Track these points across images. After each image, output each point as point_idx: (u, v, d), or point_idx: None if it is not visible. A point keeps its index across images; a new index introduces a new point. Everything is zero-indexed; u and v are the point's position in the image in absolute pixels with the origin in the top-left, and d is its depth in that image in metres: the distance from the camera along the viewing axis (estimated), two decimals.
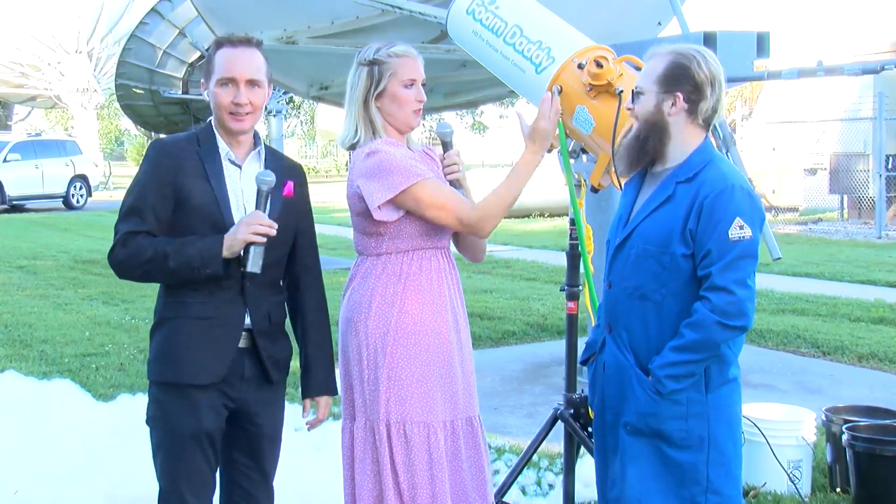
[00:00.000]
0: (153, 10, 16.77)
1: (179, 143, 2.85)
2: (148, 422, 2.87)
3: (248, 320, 2.83)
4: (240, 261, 2.75)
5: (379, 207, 2.94)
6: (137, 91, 16.97)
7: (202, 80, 2.90)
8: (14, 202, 22.96)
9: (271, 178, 2.80)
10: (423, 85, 3.06)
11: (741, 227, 2.62)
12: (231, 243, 2.74)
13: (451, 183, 3.11)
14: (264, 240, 2.73)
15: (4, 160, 22.81)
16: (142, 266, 2.74)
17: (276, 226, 2.76)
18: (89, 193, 24.83)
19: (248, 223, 2.73)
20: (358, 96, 3.02)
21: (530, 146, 3.09)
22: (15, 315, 8.92)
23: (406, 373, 2.96)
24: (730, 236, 2.61)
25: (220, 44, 2.85)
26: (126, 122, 44.15)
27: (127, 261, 2.75)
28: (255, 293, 2.83)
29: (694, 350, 2.63)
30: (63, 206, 24.00)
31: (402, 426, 2.95)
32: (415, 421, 2.95)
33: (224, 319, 2.79)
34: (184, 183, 2.76)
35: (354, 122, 3.04)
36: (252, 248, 2.73)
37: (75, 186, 24.29)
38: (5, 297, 10.01)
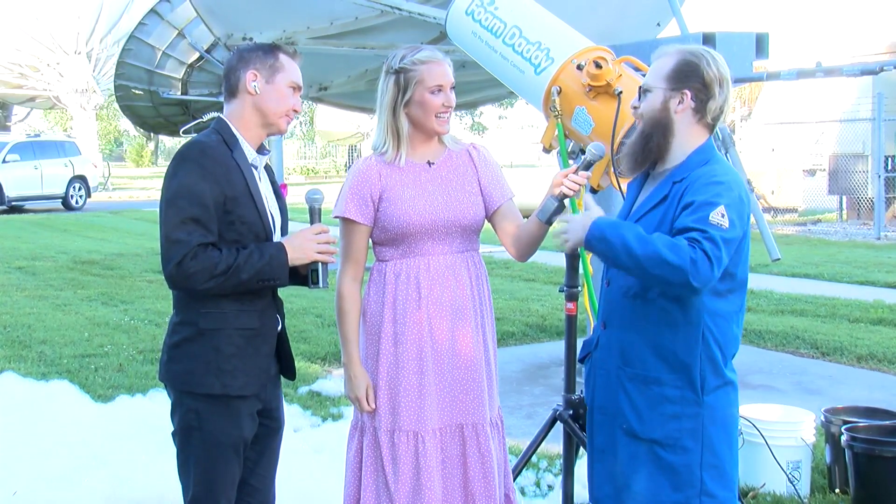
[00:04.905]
0: (152, 10, 16.68)
1: (218, 147, 2.76)
2: (179, 431, 2.81)
3: (279, 326, 2.90)
4: (308, 276, 2.81)
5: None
6: (136, 92, 16.89)
7: (253, 70, 2.78)
8: (13, 203, 22.94)
9: (321, 195, 2.88)
10: (453, 89, 3.03)
11: (722, 216, 2.54)
12: (299, 255, 2.77)
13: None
14: (330, 257, 2.80)
15: (3, 161, 22.79)
16: (213, 279, 2.65)
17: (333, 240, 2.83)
18: (88, 194, 24.82)
19: (315, 239, 2.78)
20: (387, 105, 3.02)
21: None
22: (14, 316, 8.90)
23: (379, 382, 3.02)
24: (710, 218, 2.53)
25: (277, 48, 2.83)
26: (125, 123, 44.16)
27: (198, 273, 2.64)
28: (279, 299, 2.90)
29: (643, 245, 2.51)
30: (62, 206, 23.99)
31: (390, 434, 3.00)
32: (385, 429, 3.01)
33: (264, 329, 2.82)
34: (234, 194, 2.73)
35: (384, 131, 3.05)
36: (320, 264, 2.81)
37: (74, 187, 24.28)
38: (4, 297, 10.00)
